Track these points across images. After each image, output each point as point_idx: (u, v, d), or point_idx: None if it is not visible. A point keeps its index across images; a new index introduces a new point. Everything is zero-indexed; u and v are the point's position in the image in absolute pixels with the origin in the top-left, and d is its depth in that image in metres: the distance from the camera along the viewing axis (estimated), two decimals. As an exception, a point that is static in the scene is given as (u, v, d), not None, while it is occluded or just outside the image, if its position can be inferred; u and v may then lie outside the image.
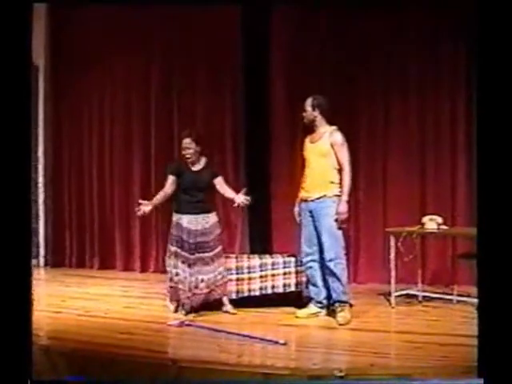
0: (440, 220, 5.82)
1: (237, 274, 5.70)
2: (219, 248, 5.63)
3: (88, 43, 8.51)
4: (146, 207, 5.51)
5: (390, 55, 6.99)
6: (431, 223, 5.80)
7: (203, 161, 5.61)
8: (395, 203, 7.00)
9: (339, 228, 5.23)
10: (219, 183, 5.64)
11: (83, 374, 4.06)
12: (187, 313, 5.43)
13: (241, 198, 5.53)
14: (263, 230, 7.52)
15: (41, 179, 8.89)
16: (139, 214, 5.55)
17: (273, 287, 5.76)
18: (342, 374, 3.68)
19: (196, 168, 5.57)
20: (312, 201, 5.29)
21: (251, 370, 3.89)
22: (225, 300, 5.61)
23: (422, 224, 5.84)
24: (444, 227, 5.84)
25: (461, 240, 6.50)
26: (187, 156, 5.52)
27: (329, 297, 5.35)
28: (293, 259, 5.80)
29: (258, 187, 7.56)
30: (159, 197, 5.60)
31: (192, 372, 3.92)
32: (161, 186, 7.99)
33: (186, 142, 5.52)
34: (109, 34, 8.40)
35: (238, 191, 7.52)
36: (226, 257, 5.93)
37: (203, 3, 7.40)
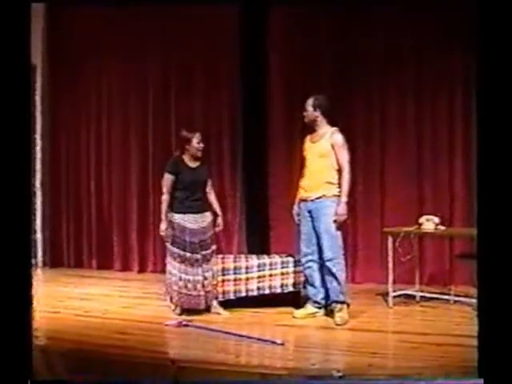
0: (437, 220, 5.83)
1: (234, 274, 5.70)
2: (214, 247, 5.66)
3: (86, 43, 8.50)
4: (164, 226, 5.48)
5: (388, 56, 6.99)
6: (428, 223, 5.81)
7: (200, 158, 5.64)
8: (393, 203, 7.01)
9: (338, 228, 5.23)
10: (209, 187, 5.70)
11: (81, 375, 4.06)
12: (182, 313, 5.45)
13: (220, 223, 5.70)
14: (261, 230, 7.53)
15: (38, 179, 8.88)
16: (163, 234, 5.51)
17: (270, 287, 5.76)
18: (340, 374, 3.68)
19: (194, 165, 5.58)
20: (311, 201, 5.30)
21: (249, 370, 3.90)
22: (214, 302, 5.61)
23: (420, 224, 5.85)
24: (441, 227, 5.85)
25: (458, 240, 6.51)
26: (200, 150, 5.54)
27: (327, 297, 5.36)
28: (291, 259, 5.81)
29: (255, 187, 7.58)
30: (167, 200, 5.52)
31: (190, 372, 3.92)
32: (158, 185, 8.09)
33: (199, 137, 5.54)
34: (106, 33, 8.40)
35: (234, 192, 7.58)
36: (223, 257, 5.93)
37: (201, 3, 7.40)
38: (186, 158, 5.57)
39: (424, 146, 6.95)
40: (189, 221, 5.47)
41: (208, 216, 5.61)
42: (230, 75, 7.73)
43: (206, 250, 5.54)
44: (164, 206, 5.51)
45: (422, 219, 5.86)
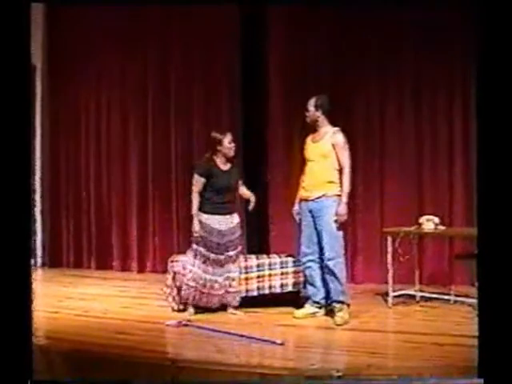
0: (437, 220, 5.82)
1: (234, 274, 5.70)
2: (240, 247, 5.67)
3: (85, 43, 8.51)
4: (197, 227, 5.43)
5: (387, 56, 6.99)
6: (428, 223, 5.81)
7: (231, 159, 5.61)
8: (392, 203, 7.01)
9: (339, 228, 5.23)
10: (240, 185, 5.68)
11: (81, 375, 4.06)
12: (196, 312, 5.47)
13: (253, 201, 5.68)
14: (260, 230, 7.52)
15: (38, 180, 8.88)
16: (197, 235, 5.45)
17: (270, 287, 5.76)
18: (340, 374, 3.68)
19: (226, 168, 5.54)
20: (312, 200, 5.29)
21: (249, 371, 3.89)
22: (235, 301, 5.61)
23: (419, 224, 5.85)
24: (441, 227, 5.85)
25: (458, 240, 6.51)
26: (233, 149, 5.51)
27: (327, 297, 5.35)
28: (290, 259, 5.81)
29: (255, 187, 7.56)
30: (197, 202, 5.47)
31: (189, 372, 3.91)
32: (158, 185, 8.13)
33: (230, 137, 5.51)
34: (106, 33, 8.41)
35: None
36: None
37: (201, 3, 7.40)
38: (218, 160, 5.52)
39: (424, 146, 6.95)
40: (217, 222, 5.46)
41: (236, 217, 5.60)
42: (229, 75, 7.73)
43: (233, 250, 5.54)
44: (195, 207, 5.46)
45: (422, 219, 5.85)
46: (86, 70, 8.60)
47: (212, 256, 5.45)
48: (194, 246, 5.49)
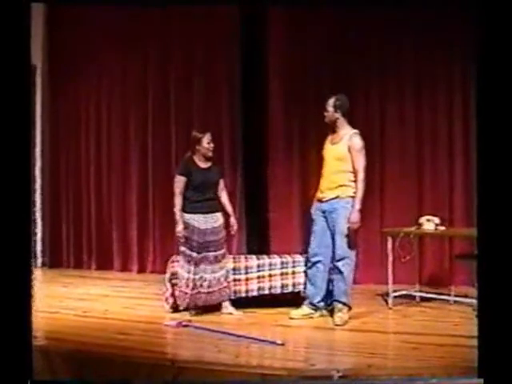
0: (437, 220, 5.82)
1: (234, 274, 5.68)
2: (225, 248, 5.64)
3: (85, 43, 8.52)
4: (180, 227, 5.46)
5: (388, 57, 6.99)
6: (428, 224, 5.81)
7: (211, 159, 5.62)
8: (392, 204, 7.01)
9: (351, 234, 5.17)
10: (221, 187, 5.67)
11: (80, 375, 4.06)
12: (196, 313, 5.46)
13: (234, 223, 5.66)
14: (260, 230, 7.52)
15: (38, 179, 8.88)
16: (180, 236, 5.48)
17: (270, 288, 5.75)
18: (340, 375, 3.68)
19: (205, 165, 5.55)
20: (326, 201, 5.24)
21: (248, 371, 3.89)
22: (226, 302, 5.59)
23: (420, 225, 5.84)
24: (441, 228, 5.84)
25: (458, 241, 6.51)
26: (211, 150, 5.52)
27: (325, 300, 5.34)
28: (290, 260, 5.80)
29: (255, 187, 7.57)
30: (179, 202, 5.49)
31: (189, 372, 3.91)
32: (158, 185, 8.12)
33: (210, 137, 5.51)
34: (106, 33, 8.41)
35: (234, 192, 7.54)
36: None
37: (201, 4, 7.40)
38: (197, 159, 5.54)
39: (424, 146, 6.95)
40: (199, 221, 5.46)
41: (220, 216, 5.60)
42: (229, 75, 7.73)
43: (219, 250, 5.53)
44: (177, 208, 5.48)
45: (422, 219, 5.85)
46: (86, 69, 8.60)
47: (194, 255, 5.44)
48: (181, 247, 5.50)
